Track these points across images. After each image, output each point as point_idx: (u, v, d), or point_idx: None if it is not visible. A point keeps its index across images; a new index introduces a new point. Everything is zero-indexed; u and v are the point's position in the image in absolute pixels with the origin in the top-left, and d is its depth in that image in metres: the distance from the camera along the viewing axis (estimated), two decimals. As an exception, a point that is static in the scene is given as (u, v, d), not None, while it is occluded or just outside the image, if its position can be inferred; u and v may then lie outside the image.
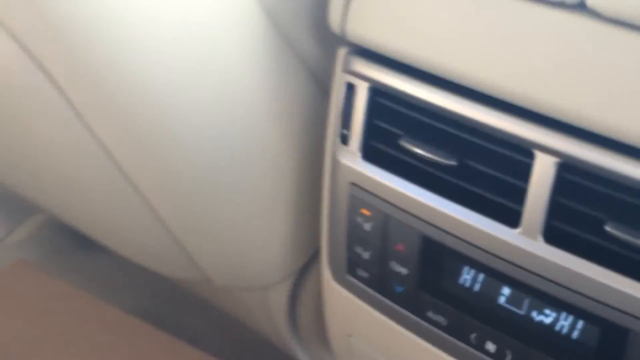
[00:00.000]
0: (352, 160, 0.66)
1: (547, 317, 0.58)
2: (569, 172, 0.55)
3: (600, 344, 0.56)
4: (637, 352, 0.54)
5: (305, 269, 0.83)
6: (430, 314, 0.65)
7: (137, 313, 1.09)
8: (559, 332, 0.58)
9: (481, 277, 0.61)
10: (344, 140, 0.67)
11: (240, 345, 1.13)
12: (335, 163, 0.68)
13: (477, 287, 0.61)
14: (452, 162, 0.60)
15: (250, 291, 0.84)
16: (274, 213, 0.77)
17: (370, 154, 0.66)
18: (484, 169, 0.59)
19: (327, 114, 0.70)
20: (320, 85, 0.73)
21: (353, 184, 0.67)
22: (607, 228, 0.53)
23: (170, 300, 1.22)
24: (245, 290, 0.85)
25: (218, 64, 0.67)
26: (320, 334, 0.84)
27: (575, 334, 0.57)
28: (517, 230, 0.58)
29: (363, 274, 0.69)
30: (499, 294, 0.60)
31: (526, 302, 0.59)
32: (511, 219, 0.58)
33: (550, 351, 0.59)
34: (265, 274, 0.81)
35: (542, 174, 0.56)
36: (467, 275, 0.62)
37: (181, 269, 0.86)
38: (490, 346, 0.62)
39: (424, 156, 0.61)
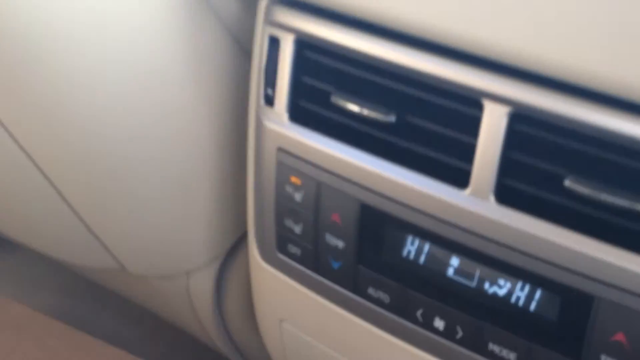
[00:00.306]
0: (279, 122, 0.59)
1: (501, 288, 0.52)
2: (522, 122, 0.49)
3: (561, 316, 0.50)
4: (602, 323, 0.48)
5: (232, 253, 0.75)
6: (371, 291, 0.58)
7: (52, 313, 1.01)
8: (515, 304, 0.52)
9: (427, 246, 0.54)
10: (269, 101, 0.60)
11: (166, 346, 1.05)
12: (260, 127, 0.60)
13: (422, 258, 0.55)
14: (391, 119, 0.53)
15: (170, 279, 0.76)
16: (194, 191, 0.69)
17: (298, 115, 0.58)
18: (427, 124, 0.53)
19: (250, 74, 0.63)
20: (242, 46, 0.66)
21: (280, 149, 0.59)
22: (567, 183, 0.47)
23: (88, 299, 1.14)
24: (165, 279, 0.77)
25: (127, 29, 0.60)
26: (250, 323, 0.77)
27: (532, 306, 0.51)
28: (466, 191, 0.51)
29: (295, 250, 0.61)
30: (447, 265, 0.54)
31: (477, 273, 0.53)
32: (459, 179, 0.52)
33: (505, 326, 0.53)
34: (186, 259, 0.73)
35: (492, 126, 0.49)
36: (411, 246, 0.55)
37: (94, 258, 0.77)
38: (439, 323, 0.56)
39: (359, 113, 0.54)
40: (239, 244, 0.74)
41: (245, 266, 0.71)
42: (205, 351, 1.02)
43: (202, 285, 0.76)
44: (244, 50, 0.66)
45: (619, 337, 0.48)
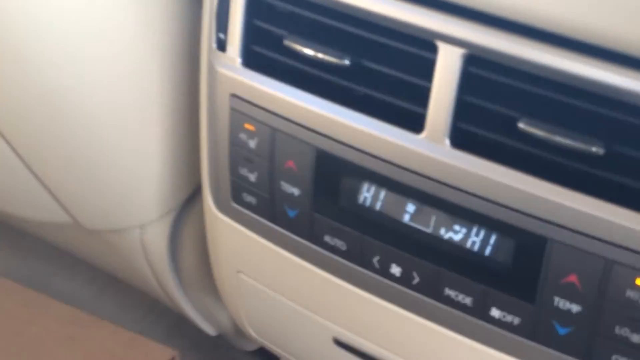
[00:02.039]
0: (231, 68, 0.58)
1: (456, 233, 0.52)
2: (476, 65, 0.48)
3: (515, 259, 0.50)
4: (555, 265, 0.49)
5: (187, 205, 0.74)
6: (327, 239, 0.57)
7: (3, 273, 0.99)
8: (470, 248, 0.52)
9: (383, 193, 0.54)
10: (221, 46, 0.58)
11: (118, 303, 1.05)
12: (212, 73, 0.59)
13: (378, 205, 0.54)
14: (345, 62, 0.52)
15: (124, 233, 0.75)
16: (146, 141, 0.67)
17: (251, 60, 0.57)
18: (381, 68, 0.52)
19: (201, 18, 0.61)
20: None
21: (233, 95, 0.58)
22: (521, 125, 0.47)
23: (40, 260, 1.13)
24: (118, 233, 0.75)
25: None
26: (205, 278, 0.76)
27: (487, 250, 0.51)
28: (421, 135, 0.51)
29: (250, 199, 0.60)
30: (403, 211, 0.53)
31: (433, 218, 0.52)
32: (414, 123, 0.51)
33: (461, 271, 0.52)
34: (139, 212, 0.72)
35: (447, 68, 0.49)
36: (367, 193, 0.55)
37: (46, 212, 0.75)
38: (395, 269, 0.55)
39: (313, 57, 0.53)
40: (194, 196, 0.73)
41: (201, 219, 0.70)
42: (157, 306, 1.01)
43: (157, 238, 0.74)
44: (196, -4, 0.64)
45: (572, 278, 0.49)
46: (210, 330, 0.87)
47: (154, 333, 0.85)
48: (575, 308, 0.49)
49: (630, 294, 0.47)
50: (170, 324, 1.03)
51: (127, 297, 1.08)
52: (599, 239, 0.47)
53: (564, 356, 0.51)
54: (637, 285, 0.46)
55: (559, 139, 0.46)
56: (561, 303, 0.49)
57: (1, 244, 1.13)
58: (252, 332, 0.72)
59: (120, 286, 1.09)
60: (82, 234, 0.77)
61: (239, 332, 0.84)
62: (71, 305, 0.87)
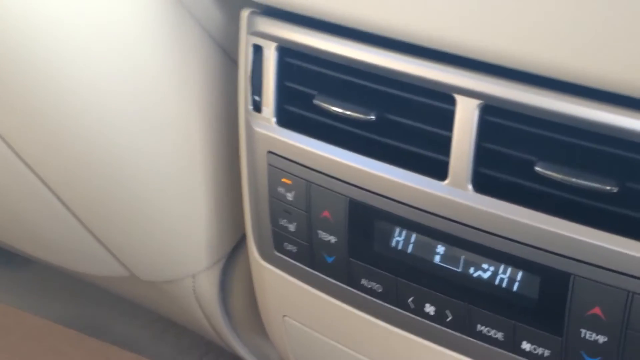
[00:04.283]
0: (267, 127, 0.62)
1: (484, 271, 0.55)
2: (493, 114, 0.52)
3: (541, 295, 0.53)
4: (579, 299, 0.51)
5: (234, 253, 0.78)
6: (364, 282, 0.61)
7: (65, 322, 1.03)
8: (499, 286, 0.54)
9: (413, 237, 0.57)
10: (257, 107, 0.63)
11: (176, 346, 1.08)
12: (250, 132, 0.64)
13: (410, 248, 0.58)
14: (371, 117, 0.56)
15: (177, 282, 0.80)
16: (193, 195, 0.72)
17: (285, 119, 0.61)
18: (405, 120, 0.56)
19: (237, 82, 0.66)
20: (228, 54, 0.69)
21: (270, 152, 0.62)
22: (538, 169, 0.50)
23: (100, 307, 1.17)
24: (172, 282, 0.80)
25: (118, 42, 0.63)
26: (255, 320, 0.80)
27: (515, 287, 0.54)
28: (446, 182, 0.54)
29: (291, 248, 0.65)
30: (433, 253, 0.57)
31: (462, 259, 0.56)
32: (439, 171, 0.55)
33: (491, 306, 0.55)
34: (191, 263, 0.76)
35: (465, 118, 0.52)
36: (398, 237, 0.58)
37: (103, 266, 0.80)
38: (430, 308, 0.58)
39: (341, 113, 0.57)
40: (240, 244, 0.77)
41: (248, 266, 0.74)
42: (213, 347, 1.04)
43: (208, 286, 0.79)
44: (231, 59, 0.69)
45: (596, 310, 0.51)
46: (262, 370, 0.91)
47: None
48: (601, 339, 0.51)
49: (652, 323, 0.49)
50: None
51: (185, 340, 1.11)
52: (620, 272, 0.49)
53: (594, 385, 0.53)
54: (658, 315, 0.49)
55: (574, 180, 0.49)
56: (588, 334, 0.52)
57: (63, 293, 1.18)
58: (300, 372, 0.76)
59: (178, 329, 1.13)
60: (138, 284, 0.82)
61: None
62: (130, 350, 0.91)
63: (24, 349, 0.88)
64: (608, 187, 0.48)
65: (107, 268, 0.80)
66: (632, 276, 0.49)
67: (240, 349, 0.86)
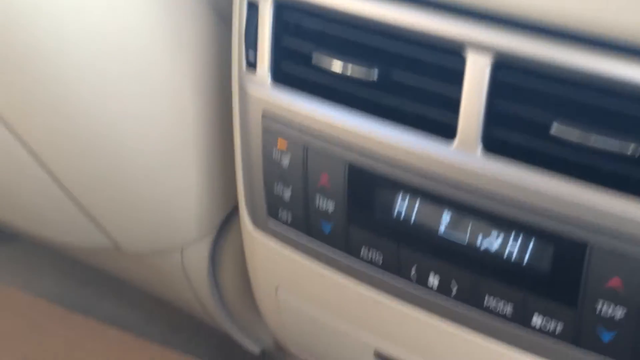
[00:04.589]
0: (262, 87, 0.58)
1: (493, 241, 0.52)
2: (505, 71, 0.48)
3: (555, 266, 0.49)
4: (596, 269, 0.48)
5: (225, 225, 0.75)
6: (363, 252, 0.57)
7: (53, 300, 1.00)
8: (509, 255, 0.51)
9: (417, 203, 0.54)
10: (251, 64, 0.59)
11: (166, 325, 1.05)
12: (244, 94, 0.60)
13: (413, 216, 0.54)
14: (374, 76, 0.52)
15: (165, 255, 0.76)
16: (183, 163, 0.68)
17: (281, 78, 0.58)
18: (411, 80, 0.52)
19: (230, 42, 0.62)
20: (220, 14, 0.65)
21: (265, 113, 0.58)
22: (554, 130, 0.47)
23: (88, 286, 1.14)
24: (159, 255, 0.76)
25: (108, 5, 0.59)
26: (246, 297, 0.76)
27: (526, 258, 0.51)
28: (454, 144, 0.51)
29: (285, 216, 0.61)
30: (438, 220, 0.53)
31: (469, 227, 0.52)
32: (446, 133, 0.51)
33: (500, 279, 0.52)
34: (179, 234, 0.73)
35: (476, 77, 0.49)
36: (401, 204, 0.54)
37: (87, 237, 0.77)
38: (433, 280, 0.55)
39: (342, 72, 0.53)
40: (231, 216, 0.73)
41: (239, 238, 0.71)
42: (203, 328, 1.01)
43: (197, 259, 0.75)
44: (223, 18, 0.65)
45: (614, 282, 0.48)
46: (253, 348, 0.87)
47: (201, 354, 0.86)
48: (619, 312, 0.48)
49: (675, 295, 0.46)
50: (217, 344, 1.03)
51: (174, 319, 1.09)
52: (640, 241, 0.46)
53: (609, 361, 0.50)
54: (682, 287, 0.46)
55: (593, 141, 0.46)
56: (604, 308, 0.49)
57: (50, 270, 1.15)
58: (293, 348, 0.73)
59: (167, 309, 1.10)
60: (123, 258, 0.78)
61: (282, 349, 0.84)
62: (118, 329, 0.88)
63: (8, 325, 0.84)
64: (629, 151, 0.45)
65: (91, 239, 0.76)
66: (654, 244, 0.46)
67: (229, 328, 0.82)
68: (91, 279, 1.13)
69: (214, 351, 1.02)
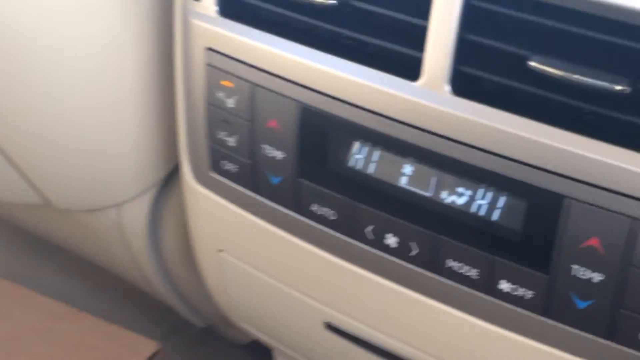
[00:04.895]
0: (207, 18, 0.52)
1: (460, 196, 0.46)
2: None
3: (527, 223, 0.44)
4: (573, 227, 0.42)
5: (168, 183, 0.68)
6: (314, 208, 0.51)
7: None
8: (476, 214, 0.45)
9: (376, 152, 0.48)
10: (195, -6, 0.53)
11: (112, 301, 0.99)
12: (187, 26, 0.53)
13: (371, 166, 0.48)
14: (332, 1, 0.46)
15: (100, 213, 0.69)
16: (122, 115, 0.62)
17: (228, 9, 0.51)
18: (372, 7, 0.46)
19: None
20: None
21: (210, 49, 0.52)
22: (532, 63, 0.41)
23: (32, 258, 1.08)
24: (94, 213, 0.69)
25: None
26: (189, 261, 0.70)
27: (496, 215, 0.45)
28: (419, 82, 0.45)
29: (230, 167, 0.54)
30: (399, 172, 0.47)
31: (433, 180, 0.46)
32: (410, 70, 0.45)
33: (465, 240, 0.46)
34: (116, 190, 0.66)
35: (445, 3, 0.43)
36: (358, 153, 0.48)
37: (16, 192, 0.69)
38: (391, 240, 0.49)
39: (295, -2, 0.47)
40: (175, 173, 0.67)
41: (182, 196, 0.64)
42: (146, 304, 0.96)
43: (135, 218, 0.68)
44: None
45: (593, 242, 0.42)
46: (197, 321, 0.81)
47: (143, 329, 0.80)
48: (596, 277, 0.43)
49: (661, 257, 0.40)
50: (160, 319, 0.98)
51: (119, 294, 1.03)
52: (624, 195, 0.40)
53: (582, 334, 0.45)
54: (670, 247, 0.40)
55: (577, 77, 0.40)
56: (580, 272, 0.43)
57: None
58: (236, 319, 0.66)
59: (109, 281, 1.04)
60: (54, 216, 0.71)
61: (229, 323, 0.78)
62: (52, 298, 0.81)
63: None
64: (618, 87, 0.39)
65: (17, 193, 0.69)
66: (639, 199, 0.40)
67: (169, 296, 0.76)
68: (36, 251, 1.08)
69: (156, 326, 0.96)
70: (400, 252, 0.49)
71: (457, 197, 0.46)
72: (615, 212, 0.41)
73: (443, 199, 0.46)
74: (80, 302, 0.83)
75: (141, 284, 0.77)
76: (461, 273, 0.47)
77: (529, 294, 0.45)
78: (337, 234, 0.51)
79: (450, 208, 0.46)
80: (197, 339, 1.01)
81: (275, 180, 0.52)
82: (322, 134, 0.49)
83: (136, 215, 0.68)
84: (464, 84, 0.44)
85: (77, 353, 0.75)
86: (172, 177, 0.67)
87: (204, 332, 0.99)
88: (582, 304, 0.44)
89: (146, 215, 0.68)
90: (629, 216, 0.41)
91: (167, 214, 0.70)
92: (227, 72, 0.51)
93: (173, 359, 0.89)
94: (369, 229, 0.50)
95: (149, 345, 0.74)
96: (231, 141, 0.53)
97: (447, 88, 0.44)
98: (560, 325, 0.45)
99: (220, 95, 0.52)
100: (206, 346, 1.00)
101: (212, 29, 0.51)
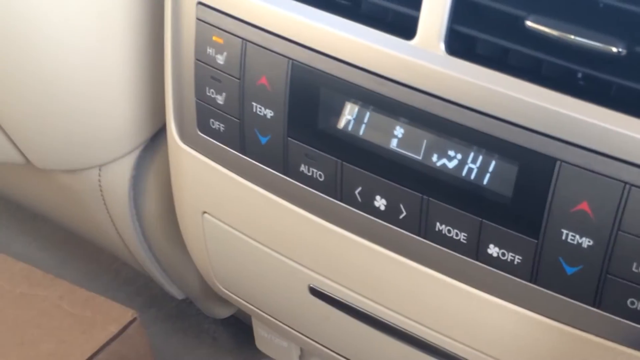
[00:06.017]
0: (198, -29, 0.51)
1: (450, 159, 0.46)
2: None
3: (517, 186, 0.43)
4: (564, 191, 0.42)
5: (152, 144, 0.66)
6: (303, 169, 0.51)
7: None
8: (466, 177, 0.45)
9: (367, 112, 0.47)
10: (187, -54, 0.51)
11: (85, 271, 0.98)
12: (177, -20, 0.52)
13: (362, 127, 0.48)
14: (327, -43, 0.46)
15: (80, 174, 0.67)
16: (105, 66, 0.60)
17: (220, -38, 0.51)
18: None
19: None
20: None
21: (200, 3, 0.51)
22: (529, 23, 0.41)
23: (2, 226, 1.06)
24: (74, 173, 0.68)
25: None
26: (171, 227, 0.69)
27: (486, 178, 0.45)
28: (413, 41, 0.44)
29: (217, 125, 0.54)
30: (390, 134, 0.47)
31: (424, 142, 0.46)
32: (405, 28, 0.45)
33: (454, 203, 0.46)
34: (98, 149, 0.64)
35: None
36: (349, 113, 0.48)
37: None
38: (379, 202, 0.49)
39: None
40: (160, 135, 0.66)
41: (166, 161, 0.63)
42: (122, 273, 0.94)
43: (117, 181, 0.67)
44: None
45: (583, 206, 0.42)
46: (175, 292, 0.80)
47: (119, 301, 0.79)
48: (586, 242, 0.42)
49: (652, 222, 0.40)
50: (136, 291, 0.97)
51: (94, 264, 1.02)
52: (616, 159, 0.40)
53: (570, 301, 0.44)
54: (662, 212, 0.40)
55: (574, 37, 0.40)
56: (570, 236, 0.43)
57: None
58: (218, 286, 0.65)
59: (86, 253, 1.02)
60: (34, 178, 0.70)
61: (209, 295, 0.77)
62: (27, 263, 0.80)
63: None
64: (615, 49, 0.39)
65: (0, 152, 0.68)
66: (631, 164, 0.40)
67: (148, 265, 0.74)
68: (2, 219, 1.06)
69: (133, 299, 0.95)
70: (388, 215, 0.48)
71: (447, 160, 0.46)
72: (607, 176, 0.41)
73: (434, 162, 0.46)
74: (54, 273, 0.81)
75: (120, 251, 0.75)
76: (450, 237, 0.47)
77: (517, 259, 0.45)
78: (325, 196, 0.50)
79: (441, 172, 0.46)
80: (175, 312, 1.00)
81: (264, 139, 0.51)
82: (313, 92, 0.48)
83: (118, 178, 0.67)
84: (459, 43, 0.43)
85: (50, 318, 0.74)
86: (155, 140, 0.66)
87: (181, 305, 0.98)
88: (570, 270, 0.43)
89: (129, 178, 0.67)
90: (620, 180, 0.40)
91: (150, 178, 0.69)
92: (217, 28, 0.50)
93: (150, 331, 0.88)
94: (357, 190, 0.49)
95: (126, 313, 0.73)
96: (220, 99, 0.52)
97: (442, 47, 0.43)
98: (548, 291, 0.45)
99: (210, 51, 0.51)
100: (183, 319, 0.99)
101: (204, -17, 0.50)
